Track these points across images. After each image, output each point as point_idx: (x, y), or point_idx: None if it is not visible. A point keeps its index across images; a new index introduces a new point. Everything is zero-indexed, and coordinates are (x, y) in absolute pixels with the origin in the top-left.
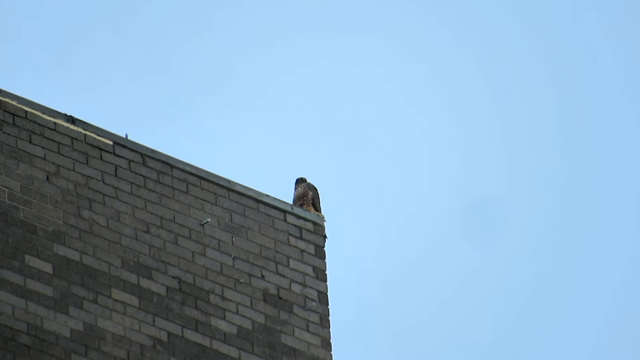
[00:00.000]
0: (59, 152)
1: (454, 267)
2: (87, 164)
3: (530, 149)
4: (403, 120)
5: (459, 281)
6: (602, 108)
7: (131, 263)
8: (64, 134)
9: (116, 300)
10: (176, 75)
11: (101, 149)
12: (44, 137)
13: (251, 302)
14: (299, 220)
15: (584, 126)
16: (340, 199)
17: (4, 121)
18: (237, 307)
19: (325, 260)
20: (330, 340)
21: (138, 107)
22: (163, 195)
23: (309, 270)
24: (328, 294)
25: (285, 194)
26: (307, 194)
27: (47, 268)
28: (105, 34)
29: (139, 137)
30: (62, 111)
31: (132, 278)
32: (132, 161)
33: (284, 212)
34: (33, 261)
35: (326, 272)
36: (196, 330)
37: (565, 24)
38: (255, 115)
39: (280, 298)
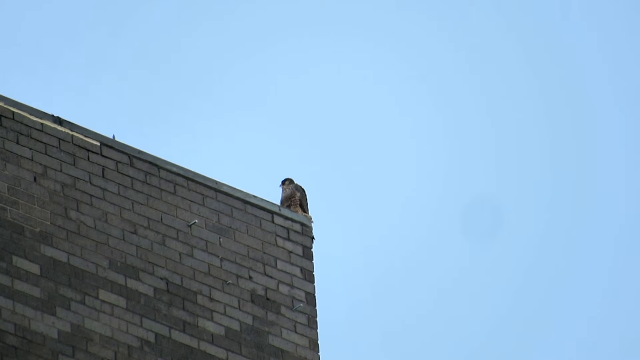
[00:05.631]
0: (46, 153)
1: (444, 267)
2: (74, 165)
3: (525, 149)
4: (394, 121)
5: (449, 281)
6: (594, 109)
7: (118, 264)
8: (51, 135)
9: (103, 301)
10: (163, 76)
11: (88, 150)
12: (31, 138)
13: (239, 303)
14: (287, 222)
15: (579, 126)
16: (328, 200)
17: None
18: (224, 308)
19: (313, 262)
20: (318, 341)
21: (125, 108)
22: (150, 196)
23: (297, 271)
24: (316, 295)
25: (273, 195)
26: (294, 195)
27: (35, 269)
28: (96, 36)
29: (126, 138)
30: (50, 112)
31: (120, 279)
32: (120, 162)
33: (272, 213)
34: (20, 262)
35: (314, 273)
36: (184, 331)
37: (554, 25)
38: (242, 117)
39: (267, 299)
